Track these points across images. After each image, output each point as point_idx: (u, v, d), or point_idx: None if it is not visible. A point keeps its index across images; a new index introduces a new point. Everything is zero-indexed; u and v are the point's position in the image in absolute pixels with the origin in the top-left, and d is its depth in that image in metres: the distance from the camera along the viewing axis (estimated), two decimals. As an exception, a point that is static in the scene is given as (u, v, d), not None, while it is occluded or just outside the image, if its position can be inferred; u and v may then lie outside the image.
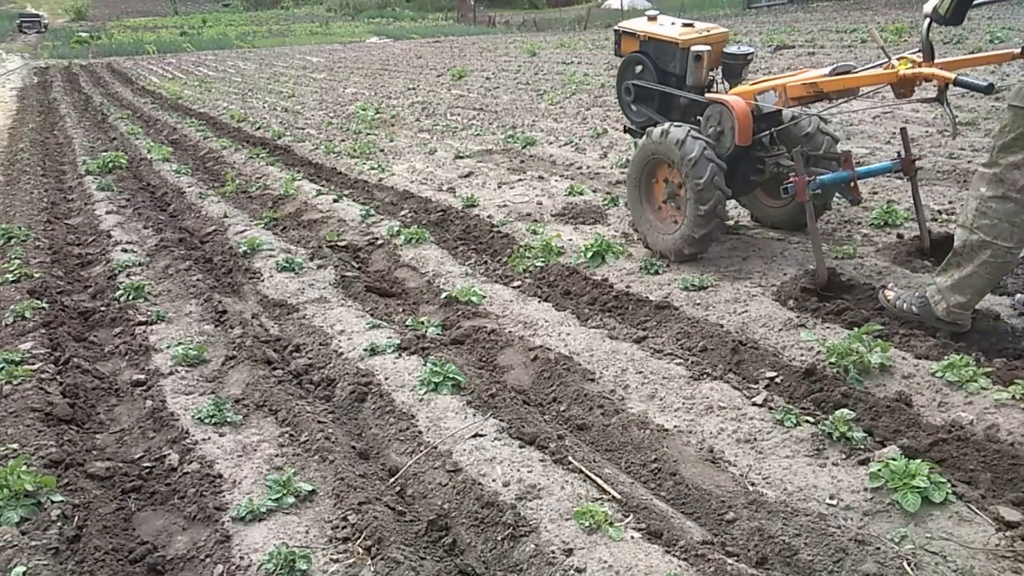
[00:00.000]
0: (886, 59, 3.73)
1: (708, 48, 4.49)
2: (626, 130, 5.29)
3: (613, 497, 2.53)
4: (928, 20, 3.45)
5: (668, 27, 4.79)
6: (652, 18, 4.98)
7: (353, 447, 2.99)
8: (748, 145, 4.16)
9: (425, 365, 3.37)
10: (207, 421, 3.12)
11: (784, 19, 25.87)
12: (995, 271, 3.23)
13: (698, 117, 4.44)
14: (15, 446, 2.83)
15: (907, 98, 3.80)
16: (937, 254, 4.04)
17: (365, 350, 3.67)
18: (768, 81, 4.26)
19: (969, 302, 3.31)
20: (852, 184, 4.00)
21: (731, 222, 5.07)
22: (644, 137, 4.48)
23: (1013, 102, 3.09)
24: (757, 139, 4.22)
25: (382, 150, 9.09)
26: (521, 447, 2.79)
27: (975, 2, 3.41)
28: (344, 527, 2.44)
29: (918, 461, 2.45)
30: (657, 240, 4.54)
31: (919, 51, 3.61)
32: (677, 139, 4.14)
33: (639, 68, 4.96)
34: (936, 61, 3.59)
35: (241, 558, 2.35)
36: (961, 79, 3.40)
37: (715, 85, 4.66)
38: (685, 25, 4.75)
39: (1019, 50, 3.33)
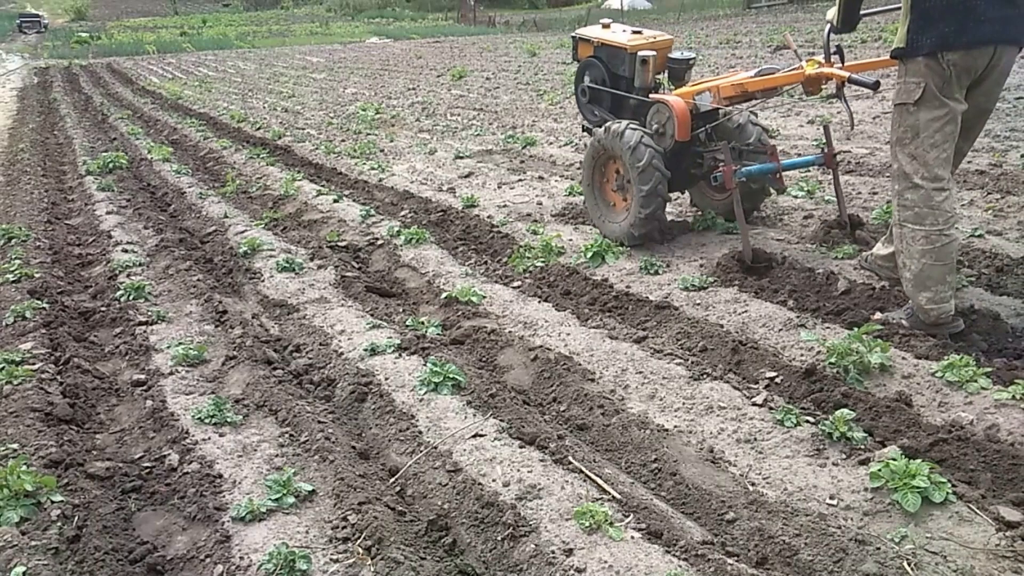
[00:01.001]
0: (799, 61, 4.22)
1: (653, 53, 4.88)
2: (584, 129, 5.55)
3: (613, 497, 2.53)
4: (828, 27, 3.92)
5: (619, 34, 5.18)
6: (606, 25, 5.36)
7: (353, 447, 2.99)
8: (688, 141, 4.56)
9: (425, 365, 3.37)
10: (207, 421, 3.12)
11: (784, 19, 25.89)
12: (940, 256, 3.31)
13: (646, 116, 4.76)
14: (15, 446, 2.82)
15: (815, 95, 4.30)
16: (856, 234, 4.56)
17: (365, 350, 3.67)
18: (705, 83, 4.63)
19: (936, 295, 3.34)
20: (777, 175, 4.47)
21: (731, 222, 5.07)
22: (593, 135, 4.88)
23: (896, 101, 3.36)
24: (695, 135, 4.61)
25: (382, 150, 9.09)
26: (521, 447, 2.79)
27: (862, 12, 3.81)
28: (344, 527, 2.44)
29: (918, 461, 2.45)
30: (610, 228, 4.91)
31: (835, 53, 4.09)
32: (617, 132, 4.57)
33: (593, 72, 5.32)
34: (846, 64, 4.07)
35: (241, 558, 2.35)
36: (854, 77, 3.83)
37: (662, 87, 5.02)
38: (634, 32, 5.17)
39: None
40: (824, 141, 4.59)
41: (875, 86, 3.65)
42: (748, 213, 4.90)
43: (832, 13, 3.77)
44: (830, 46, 4.03)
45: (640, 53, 4.88)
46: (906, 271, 3.41)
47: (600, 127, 4.83)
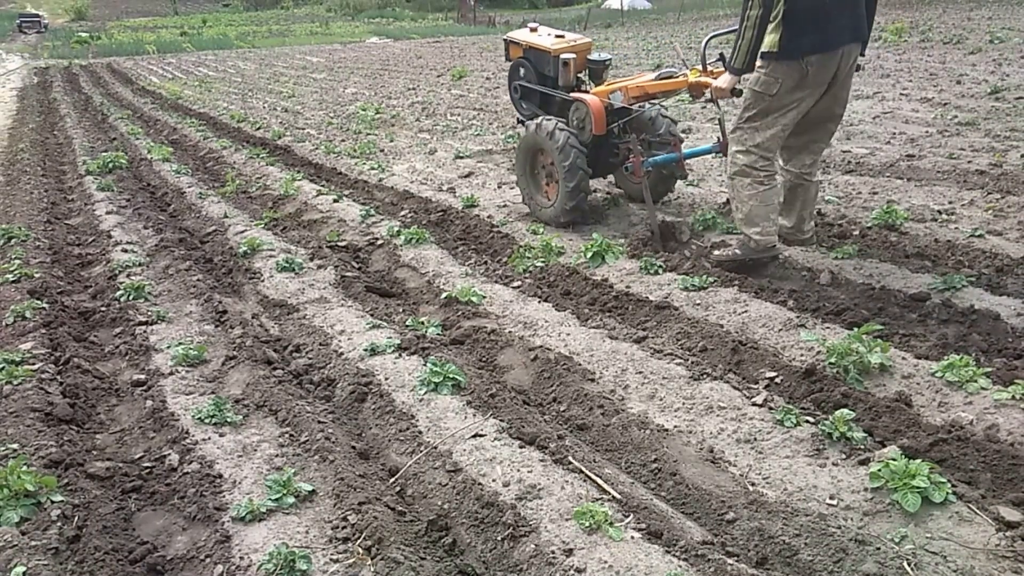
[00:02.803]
0: (684, 69, 4.90)
1: (574, 55, 5.41)
2: (519, 122, 5.99)
3: (613, 497, 2.53)
4: (707, 39, 4.81)
5: (544, 38, 5.70)
6: (533, 29, 5.90)
7: (353, 447, 2.99)
8: (604, 134, 5.08)
9: (425, 365, 3.37)
10: (207, 421, 3.12)
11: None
12: (764, 199, 4.13)
13: (569, 112, 5.28)
14: (15, 446, 2.83)
15: (699, 99, 4.88)
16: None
17: (365, 350, 3.67)
18: (617, 83, 5.13)
19: (764, 230, 4.16)
20: (680, 163, 5.07)
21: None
22: (525, 130, 5.38)
23: (755, 88, 4.04)
24: (611, 128, 5.12)
25: (382, 150, 9.09)
26: (521, 447, 2.79)
27: (716, 33, 4.86)
28: (344, 527, 2.44)
29: (918, 461, 2.45)
30: (541, 212, 5.52)
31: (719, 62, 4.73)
32: (548, 131, 5.06)
33: (523, 71, 5.82)
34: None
35: (241, 558, 2.35)
36: (715, 87, 4.35)
37: (584, 85, 5.54)
38: (558, 36, 5.67)
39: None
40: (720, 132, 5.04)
41: (738, 94, 4.23)
42: (662, 195, 5.67)
43: (712, 32, 4.74)
44: (707, 55, 4.72)
45: (562, 56, 5.39)
46: (738, 213, 4.23)
47: (532, 121, 5.31)
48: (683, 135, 5.39)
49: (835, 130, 4.35)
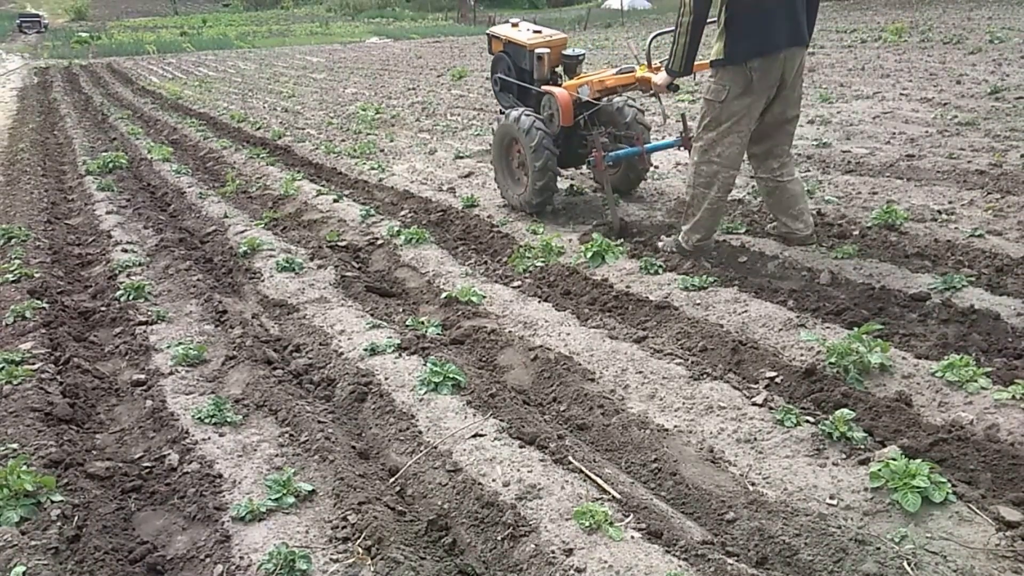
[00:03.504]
0: (636, 66, 5.15)
1: (548, 50, 5.63)
2: (500, 112, 6.14)
3: (613, 497, 2.53)
4: (651, 38, 5.18)
5: (523, 33, 5.94)
6: (514, 24, 6.12)
7: (353, 447, 2.99)
8: (572, 126, 5.35)
9: (425, 365, 3.37)
10: (207, 421, 3.12)
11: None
12: (715, 213, 4.43)
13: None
14: (15, 446, 2.83)
15: (647, 93, 5.12)
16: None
17: (365, 350, 3.67)
18: (585, 77, 5.39)
19: (704, 237, 4.53)
20: (641, 156, 5.34)
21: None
22: (501, 120, 5.64)
23: (707, 97, 4.22)
24: (578, 121, 5.37)
25: (382, 150, 9.09)
26: (521, 447, 2.79)
27: (659, 32, 5.25)
28: (344, 527, 2.44)
29: (918, 461, 2.45)
30: (514, 199, 5.83)
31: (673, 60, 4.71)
32: (515, 118, 5.36)
33: (503, 65, 6.07)
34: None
35: (241, 558, 2.35)
36: (655, 82, 4.67)
37: (559, 79, 5.74)
38: (535, 32, 5.92)
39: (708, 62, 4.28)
40: (683, 127, 5.27)
41: (674, 89, 4.56)
42: (631, 188, 5.99)
43: (658, 31, 5.17)
44: (652, 53, 5.01)
45: (537, 50, 5.60)
46: (690, 218, 4.49)
47: (511, 111, 5.54)
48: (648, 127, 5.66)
49: (794, 131, 4.45)
